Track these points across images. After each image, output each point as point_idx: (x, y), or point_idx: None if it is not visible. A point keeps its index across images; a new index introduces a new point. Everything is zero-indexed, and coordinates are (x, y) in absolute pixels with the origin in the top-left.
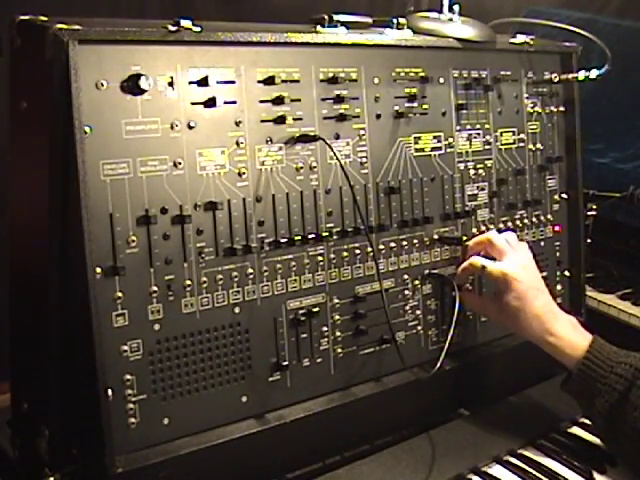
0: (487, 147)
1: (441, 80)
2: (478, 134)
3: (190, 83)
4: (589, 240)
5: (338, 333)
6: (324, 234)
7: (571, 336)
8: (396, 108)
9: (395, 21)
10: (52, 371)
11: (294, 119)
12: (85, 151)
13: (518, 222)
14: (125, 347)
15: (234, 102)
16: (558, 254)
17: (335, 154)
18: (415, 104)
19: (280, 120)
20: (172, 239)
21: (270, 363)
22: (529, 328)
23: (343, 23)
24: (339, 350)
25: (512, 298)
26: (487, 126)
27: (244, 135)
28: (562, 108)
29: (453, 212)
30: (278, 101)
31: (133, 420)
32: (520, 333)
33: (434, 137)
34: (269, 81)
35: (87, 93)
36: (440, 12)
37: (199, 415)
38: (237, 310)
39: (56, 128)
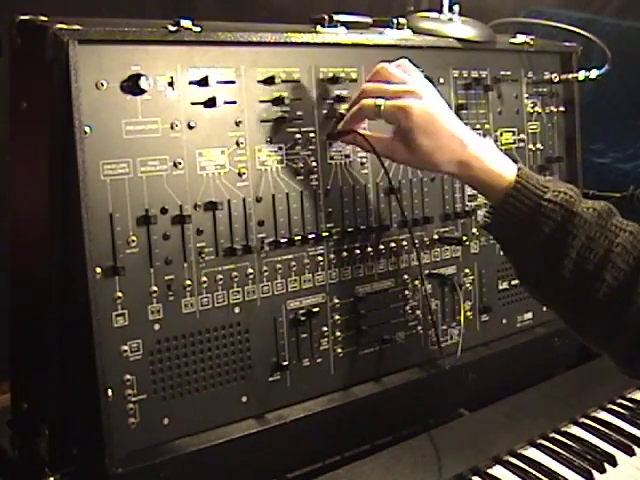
0: None
1: (441, 80)
2: (478, 134)
3: (190, 83)
4: None
5: (338, 333)
6: (324, 234)
7: (494, 162)
8: None
9: (395, 21)
10: (52, 371)
11: (294, 119)
12: (85, 151)
13: None
14: (125, 347)
15: (234, 102)
16: None
17: (335, 154)
18: None
19: (280, 120)
20: (172, 239)
21: (270, 363)
22: (442, 157)
23: (343, 23)
24: (339, 350)
25: (418, 127)
26: (487, 126)
27: (244, 135)
28: (562, 108)
29: (453, 212)
30: (278, 101)
31: (133, 420)
32: (435, 168)
33: None
34: (269, 81)
35: (87, 93)
36: (440, 12)
37: (199, 415)
38: (237, 310)
39: (56, 128)
